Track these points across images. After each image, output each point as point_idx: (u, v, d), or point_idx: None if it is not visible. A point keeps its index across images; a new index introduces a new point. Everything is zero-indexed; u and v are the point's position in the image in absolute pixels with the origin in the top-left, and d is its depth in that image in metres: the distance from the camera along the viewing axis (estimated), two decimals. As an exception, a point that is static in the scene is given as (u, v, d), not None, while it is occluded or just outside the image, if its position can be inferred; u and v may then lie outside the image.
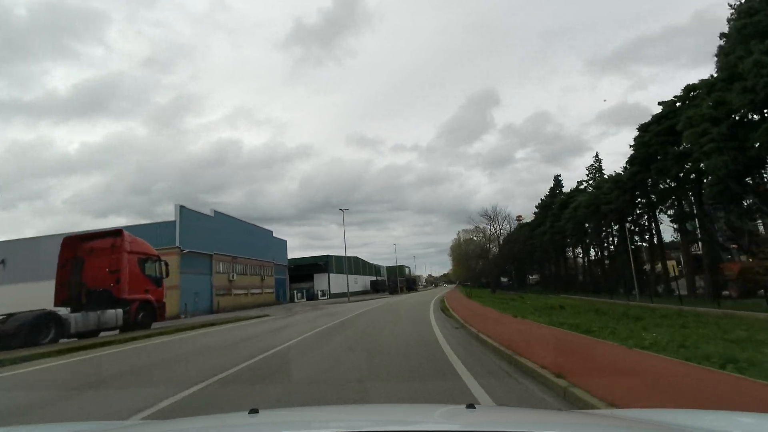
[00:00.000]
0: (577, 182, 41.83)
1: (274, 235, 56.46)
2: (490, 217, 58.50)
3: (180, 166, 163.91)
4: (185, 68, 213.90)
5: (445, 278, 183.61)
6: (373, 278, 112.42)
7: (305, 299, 69.50)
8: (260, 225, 53.41)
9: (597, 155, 38.16)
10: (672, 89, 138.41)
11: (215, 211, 38.59)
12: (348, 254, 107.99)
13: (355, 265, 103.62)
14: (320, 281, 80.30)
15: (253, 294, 45.22)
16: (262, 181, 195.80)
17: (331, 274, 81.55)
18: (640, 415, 1.86)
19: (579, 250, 46.42)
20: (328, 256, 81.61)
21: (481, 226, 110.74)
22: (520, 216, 62.09)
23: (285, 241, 59.36)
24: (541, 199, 51.64)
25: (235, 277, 40.19)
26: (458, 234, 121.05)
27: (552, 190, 49.64)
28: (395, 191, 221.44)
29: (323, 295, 78.34)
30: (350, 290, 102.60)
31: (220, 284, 38.09)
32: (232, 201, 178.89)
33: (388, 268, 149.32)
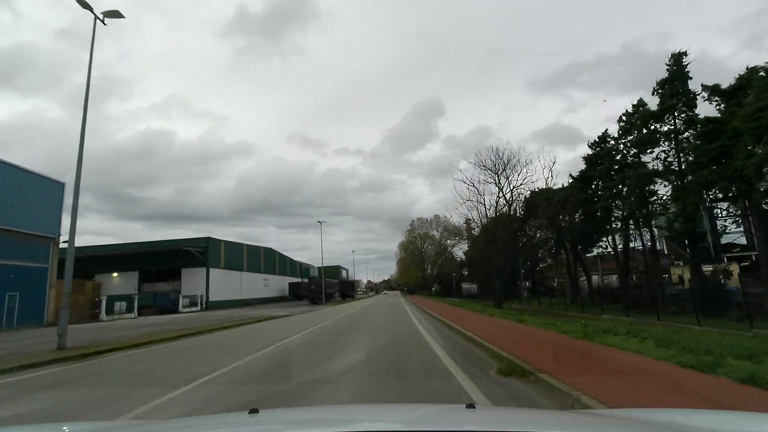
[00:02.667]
0: None
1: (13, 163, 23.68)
2: (495, 168, 30.25)
3: (99, 155, 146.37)
4: (112, 47, 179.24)
5: (386, 285, 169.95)
6: (297, 280, 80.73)
7: (132, 313, 36.66)
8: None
9: None
10: (599, 115, 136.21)
11: None
12: (263, 246, 75.35)
13: (268, 261, 71.53)
14: (194, 280, 47.75)
15: None
16: (195, 178, 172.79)
17: (213, 270, 49.26)
18: (640, 415, 1.86)
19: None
20: (208, 239, 49.19)
21: (447, 217, 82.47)
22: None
23: (60, 186, 26.49)
24: (635, 106, 23.94)
25: None
26: (411, 224, 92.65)
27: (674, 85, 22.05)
28: (337, 196, 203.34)
29: (194, 304, 46.20)
30: (261, 296, 70.29)
31: None
32: (160, 196, 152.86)
33: (325, 268, 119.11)
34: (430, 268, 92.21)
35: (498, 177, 30.50)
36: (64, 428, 2.22)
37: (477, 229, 33.82)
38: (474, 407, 1.68)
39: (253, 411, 1.69)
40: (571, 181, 30.76)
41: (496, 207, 30.66)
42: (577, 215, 30.17)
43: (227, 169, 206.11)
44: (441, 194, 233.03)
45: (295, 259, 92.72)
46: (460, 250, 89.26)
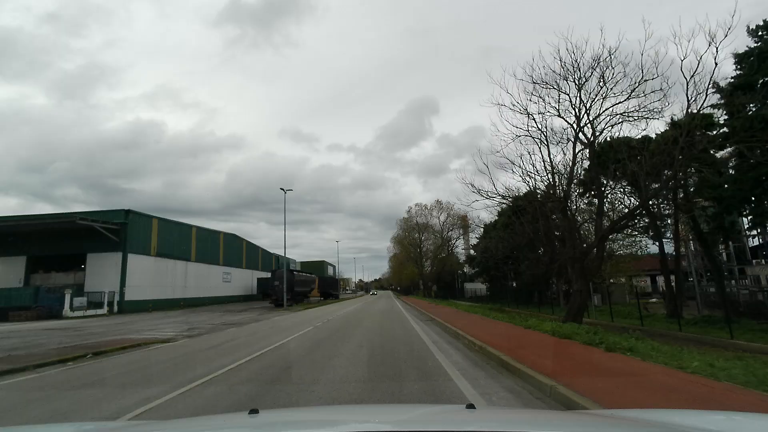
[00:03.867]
0: None
1: None
2: (562, 84, 16.54)
3: (86, 145, 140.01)
4: (99, 33, 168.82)
5: (377, 284, 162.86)
6: (267, 274, 66.58)
7: None
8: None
9: None
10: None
11: None
12: (223, 231, 59.87)
13: (231, 251, 57.37)
14: (105, 269, 33.74)
15: None
16: (185, 171, 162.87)
17: (135, 257, 35.17)
18: (640, 415, 1.85)
19: None
20: (128, 212, 35.01)
21: (450, 204, 69.87)
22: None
23: None
24: None
25: None
26: (408, 211, 78.75)
27: None
28: (329, 193, 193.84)
29: (97, 304, 32.07)
30: (218, 294, 55.40)
31: None
32: (149, 189, 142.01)
33: (308, 263, 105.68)
34: (429, 265, 78.25)
35: (571, 99, 16.72)
36: (66, 428, 2.22)
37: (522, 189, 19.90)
38: (474, 407, 1.65)
39: (253, 411, 1.67)
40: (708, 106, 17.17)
41: (574, 150, 17.01)
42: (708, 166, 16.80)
43: (217, 162, 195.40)
44: (433, 193, 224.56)
45: (289, 256, 78.48)
46: (461, 247, 76.14)
